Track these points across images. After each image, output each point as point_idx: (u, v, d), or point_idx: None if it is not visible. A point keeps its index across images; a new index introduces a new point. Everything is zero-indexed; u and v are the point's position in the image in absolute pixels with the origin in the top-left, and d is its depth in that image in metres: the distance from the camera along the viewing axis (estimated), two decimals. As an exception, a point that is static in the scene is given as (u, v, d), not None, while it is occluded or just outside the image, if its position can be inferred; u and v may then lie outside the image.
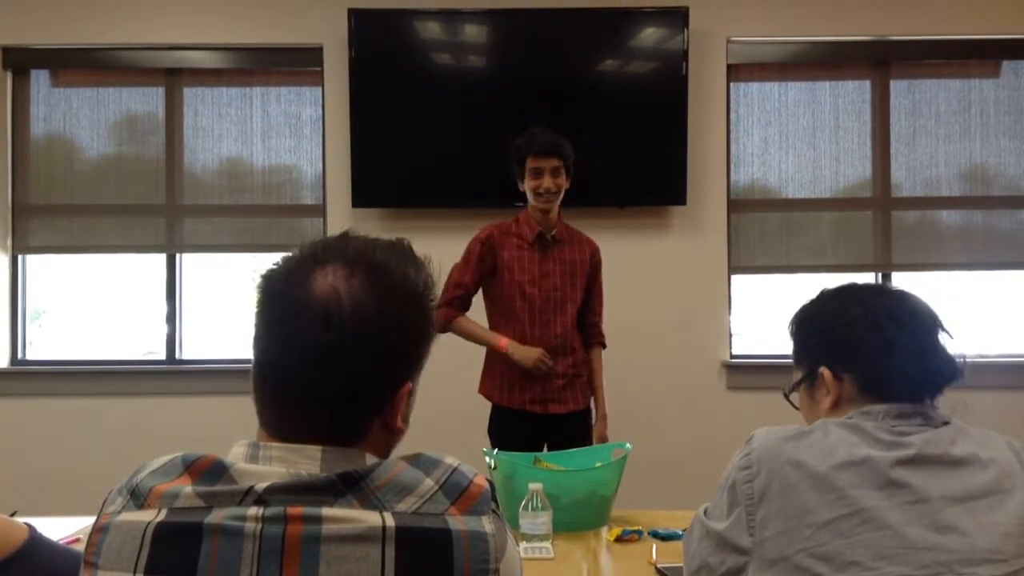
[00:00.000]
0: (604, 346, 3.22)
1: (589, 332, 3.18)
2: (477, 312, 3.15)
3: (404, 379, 0.99)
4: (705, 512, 1.39)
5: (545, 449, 3.04)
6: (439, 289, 1.04)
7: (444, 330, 3.01)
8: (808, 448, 1.26)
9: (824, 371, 1.38)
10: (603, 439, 3.09)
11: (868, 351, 1.34)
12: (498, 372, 3.08)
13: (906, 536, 1.18)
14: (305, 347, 0.93)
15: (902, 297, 1.39)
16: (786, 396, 1.49)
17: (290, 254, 1.00)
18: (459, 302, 3.07)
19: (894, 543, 1.18)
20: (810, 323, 1.45)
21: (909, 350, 1.32)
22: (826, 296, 1.45)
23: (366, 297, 0.95)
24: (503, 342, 3.00)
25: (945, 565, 1.16)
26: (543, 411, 3.05)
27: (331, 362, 0.93)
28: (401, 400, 0.99)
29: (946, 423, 1.31)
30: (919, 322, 1.35)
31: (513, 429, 3.04)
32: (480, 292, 3.15)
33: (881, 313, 1.35)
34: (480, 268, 3.06)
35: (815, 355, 1.42)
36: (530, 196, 3.04)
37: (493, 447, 2.99)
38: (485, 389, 3.13)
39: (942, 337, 1.35)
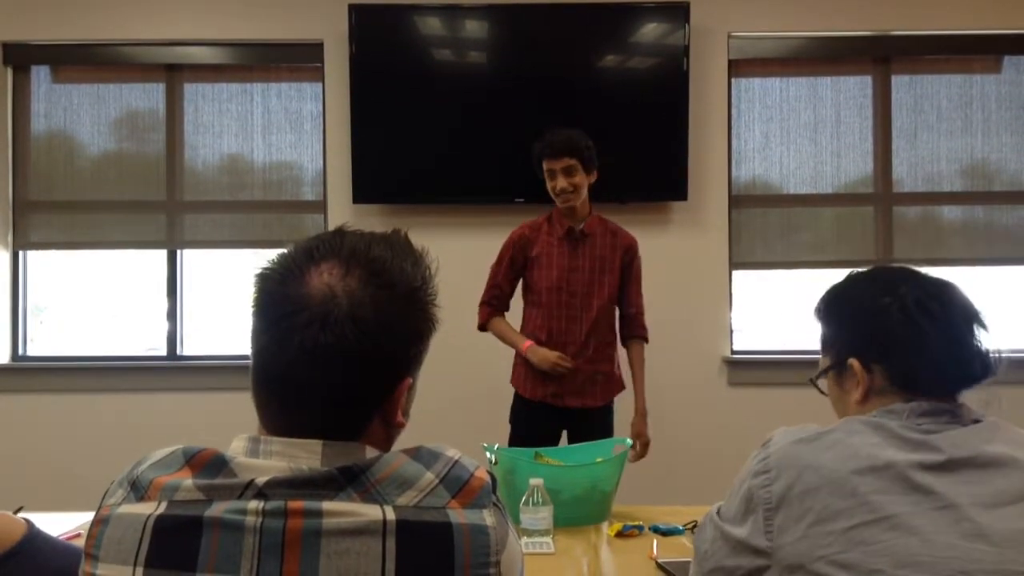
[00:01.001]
0: (646, 340, 3.21)
1: (628, 324, 3.19)
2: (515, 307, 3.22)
3: (404, 375, 0.98)
4: (719, 513, 1.34)
5: (564, 438, 3.09)
6: (439, 282, 1.03)
7: (483, 329, 3.19)
8: (828, 450, 1.21)
9: (854, 362, 1.32)
10: (640, 435, 3.10)
11: (899, 343, 1.28)
12: (522, 365, 3.16)
13: (932, 543, 1.13)
14: (302, 347, 0.93)
15: (936, 287, 1.33)
16: (813, 382, 1.44)
17: (285, 251, 0.99)
18: (496, 302, 3.17)
19: (918, 551, 1.13)
20: (839, 310, 1.39)
21: (941, 343, 1.26)
22: (856, 280, 1.39)
23: (363, 295, 0.94)
24: (525, 345, 3.08)
25: (969, 575, 1.12)
26: (561, 404, 3.09)
27: (329, 361, 0.93)
28: (401, 395, 0.98)
29: (976, 421, 1.26)
30: (952, 314, 1.29)
31: (532, 419, 3.12)
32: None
33: (912, 303, 1.29)
34: (512, 267, 3.14)
35: (844, 344, 1.36)
36: (553, 197, 3.06)
37: (514, 434, 3.10)
38: (513, 380, 3.21)
39: (978, 331, 1.29)
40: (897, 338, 1.29)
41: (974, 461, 1.19)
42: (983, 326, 1.31)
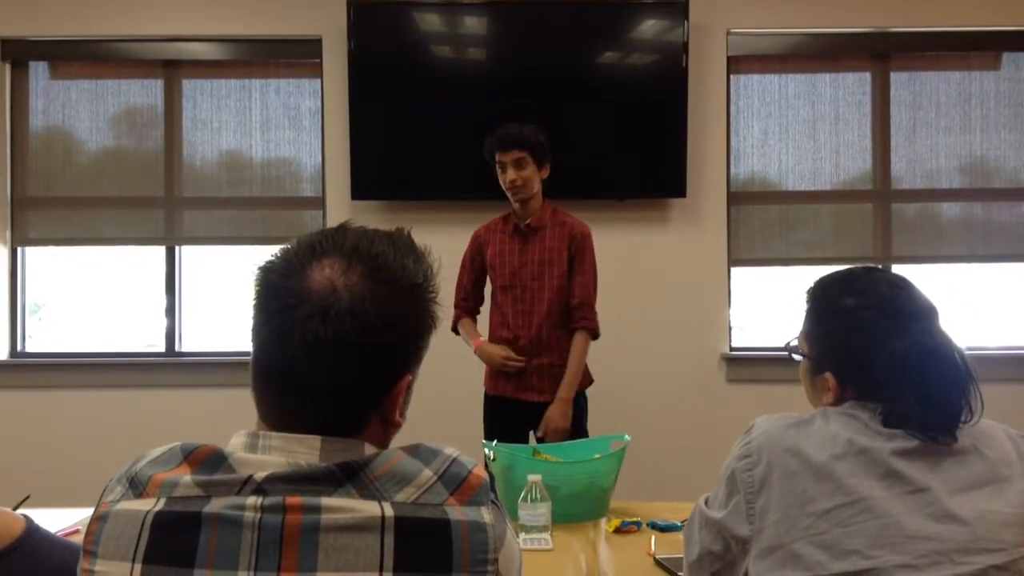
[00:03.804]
0: (592, 333, 3.07)
1: (573, 315, 3.07)
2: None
3: (403, 372, 0.99)
4: (706, 502, 1.40)
5: (531, 435, 3.09)
6: (440, 280, 1.03)
7: (455, 331, 3.24)
8: (808, 437, 1.26)
9: (829, 377, 1.37)
10: (550, 420, 2.98)
11: (879, 382, 1.30)
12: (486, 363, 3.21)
13: (905, 526, 1.19)
14: (302, 341, 0.93)
15: (932, 339, 1.31)
16: (788, 352, 1.47)
17: (287, 246, 1.00)
18: (464, 304, 3.22)
19: (893, 532, 1.18)
20: (830, 322, 1.40)
21: (920, 397, 1.27)
22: (849, 289, 1.40)
23: (364, 290, 0.94)
24: (475, 343, 3.15)
25: (944, 554, 1.17)
26: (522, 398, 3.11)
27: (329, 356, 0.93)
28: (399, 394, 0.99)
29: None
30: (938, 372, 1.28)
31: (498, 415, 3.15)
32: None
33: (900, 352, 1.29)
34: (473, 267, 3.21)
35: (824, 353, 1.39)
36: (504, 190, 3.07)
37: (485, 431, 3.12)
38: (484, 379, 3.24)
39: (963, 382, 1.28)
40: (878, 378, 1.30)
41: (941, 448, 1.25)
42: (972, 377, 1.29)
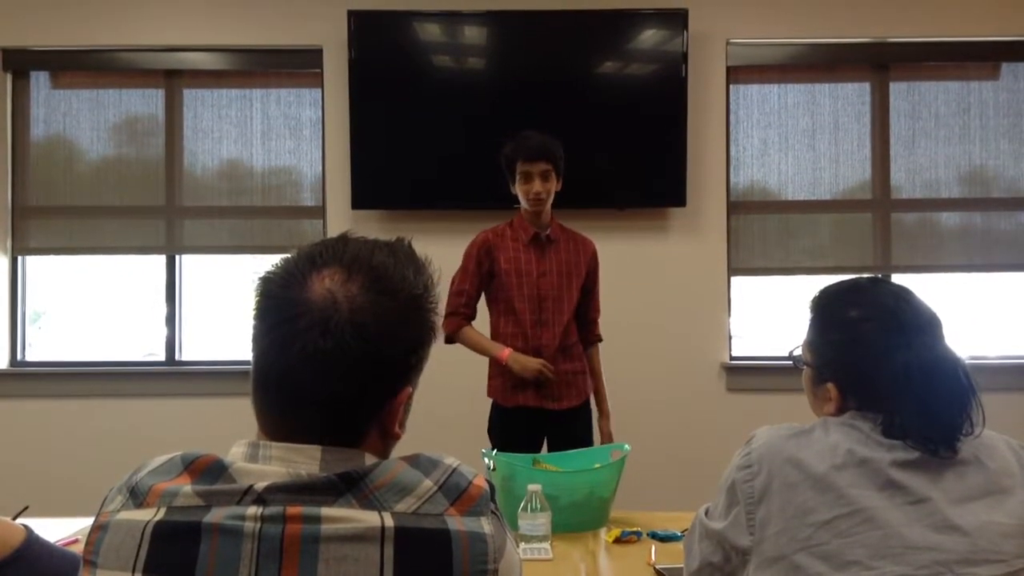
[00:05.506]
0: (601, 339, 3.25)
1: (588, 330, 3.20)
2: (481, 316, 3.17)
3: (403, 384, 0.99)
4: (706, 512, 1.40)
5: (545, 444, 3.07)
6: (440, 290, 1.03)
7: (452, 341, 3.09)
8: (809, 447, 1.26)
9: (831, 387, 1.37)
10: (610, 436, 3.12)
11: (880, 394, 1.30)
12: (498, 375, 3.12)
13: (905, 536, 1.18)
14: (303, 352, 0.93)
15: (933, 350, 1.31)
16: (792, 360, 1.48)
17: (288, 256, 1.00)
18: (464, 310, 3.11)
19: (894, 543, 1.18)
20: (830, 331, 1.40)
21: (921, 411, 1.26)
22: (852, 301, 1.39)
23: (364, 301, 0.94)
24: (504, 353, 3.04)
25: (944, 565, 1.17)
26: (545, 407, 3.08)
27: (329, 368, 0.93)
28: (399, 405, 0.99)
29: None
30: (940, 386, 1.28)
31: (513, 427, 3.08)
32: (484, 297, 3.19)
33: (901, 365, 1.29)
34: (479, 273, 3.11)
35: (827, 364, 1.39)
36: (522, 200, 3.06)
37: (493, 445, 3.03)
38: (490, 390, 3.17)
39: (964, 396, 1.29)
40: (881, 391, 1.30)
41: (942, 460, 1.25)
42: (975, 392, 1.30)
